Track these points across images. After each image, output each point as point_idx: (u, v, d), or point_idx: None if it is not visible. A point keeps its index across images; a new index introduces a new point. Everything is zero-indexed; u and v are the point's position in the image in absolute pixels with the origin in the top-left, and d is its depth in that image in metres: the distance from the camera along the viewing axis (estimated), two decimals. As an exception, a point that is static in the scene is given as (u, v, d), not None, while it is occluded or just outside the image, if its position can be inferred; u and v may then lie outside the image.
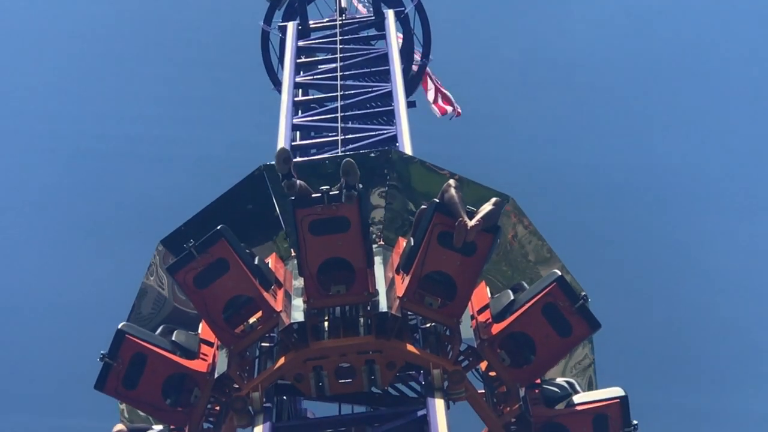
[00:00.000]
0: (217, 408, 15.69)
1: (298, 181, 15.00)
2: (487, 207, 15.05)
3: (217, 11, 50.18)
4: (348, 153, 18.73)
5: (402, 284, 15.22)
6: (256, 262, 15.38)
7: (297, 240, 15.06)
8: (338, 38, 25.67)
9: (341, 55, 24.53)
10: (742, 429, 40.58)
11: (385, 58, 24.84)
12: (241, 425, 14.94)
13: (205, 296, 15.06)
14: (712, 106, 49.20)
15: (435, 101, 29.44)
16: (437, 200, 15.08)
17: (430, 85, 29.45)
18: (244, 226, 16.50)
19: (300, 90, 24.68)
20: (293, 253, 16.48)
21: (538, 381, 15.76)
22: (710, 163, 47.99)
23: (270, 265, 15.93)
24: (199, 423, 15.38)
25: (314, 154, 20.86)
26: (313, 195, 14.92)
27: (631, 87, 50.25)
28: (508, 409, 15.31)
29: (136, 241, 34.20)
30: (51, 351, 39.80)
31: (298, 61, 25.50)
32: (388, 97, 22.91)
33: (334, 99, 22.75)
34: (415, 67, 28.77)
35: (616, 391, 15.52)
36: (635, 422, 15.34)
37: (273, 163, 17.42)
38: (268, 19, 28.20)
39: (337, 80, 23.29)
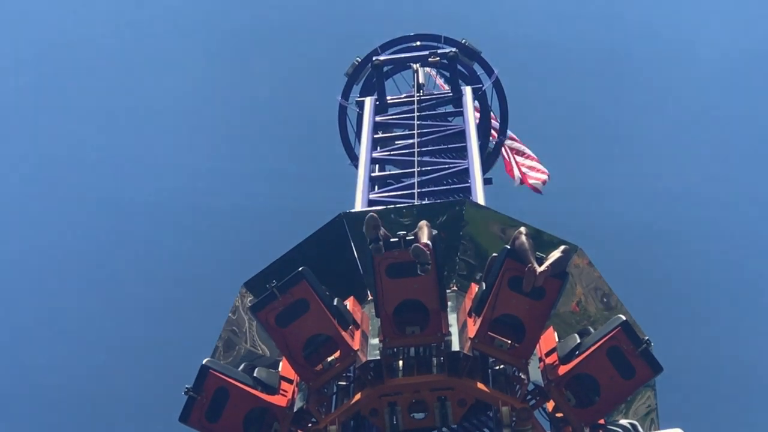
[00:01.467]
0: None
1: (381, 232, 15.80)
2: (555, 254, 15.80)
3: (295, 86, 51.57)
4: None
5: (474, 326, 15.93)
6: (335, 303, 16.17)
7: (374, 282, 15.85)
8: (416, 114, 25.99)
9: (418, 131, 24.91)
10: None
11: (462, 135, 25.03)
12: (318, 457, 15.61)
13: (285, 335, 15.85)
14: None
15: (522, 172, 29.38)
16: (508, 247, 15.83)
17: (512, 159, 29.54)
18: (324, 272, 17.04)
19: (377, 165, 25.05)
20: (370, 297, 17.26)
21: (602, 422, 16.32)
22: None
23: (348, 308, 16.71)
24: (279, 456, 16.06)
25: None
26: (390, 239, 15.70)
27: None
28: (574, 447, 15.88)
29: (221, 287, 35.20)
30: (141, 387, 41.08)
31: (375, 136, 25.81)
32: (465, 174, 23.06)
33: (411, 175, 23.07)
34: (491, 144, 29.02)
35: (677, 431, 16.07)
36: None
37: (352, 211, 18.43)
38: (345, 94, 28.91)
39: (414, 156, 23.62)
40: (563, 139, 51.42)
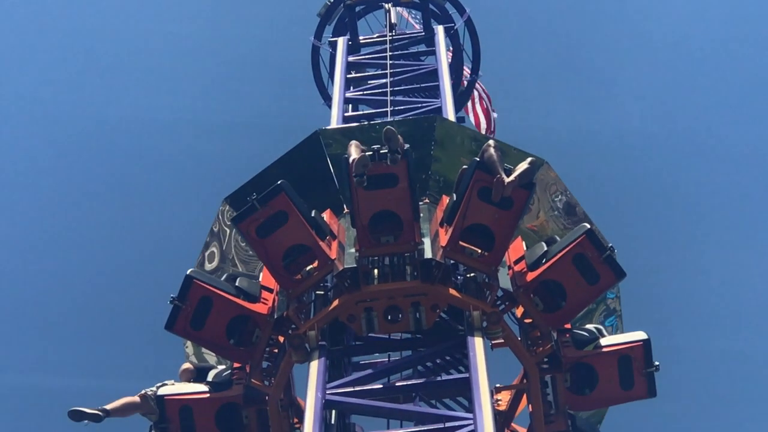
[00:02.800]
0: (276, 350, 17.17)
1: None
2: (523, 165, 16.51)
3: (267, 25, 51.78)
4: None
5: (445, 235, 16.67)
6: (312, 215, 16.86)
7: (350, 195, 16.55)
8: (388, 54, 26.11)
9: (391, 70, 25.10)
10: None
11: (434, 74, 25.38)
12: (298, 361, 16.34)
13: (266, 245, 16.57)
14: None
15: (476, 117, 29.66)
16: (477, 159, 16.53)
17: (477, 100, 29.66)
18: (302, 187, 17.63)
19: (350, 105, 25.28)
20: (346, 210, 17.97)
21: (569, 326, 17.13)
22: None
23: (325, 220, 17.41)
24: (260, 361, 16.81)
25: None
26: (365, 152, 16.36)
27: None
28: (541, 349, 16.68)
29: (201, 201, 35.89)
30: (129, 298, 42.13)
31: (348, 76, 26.07)
32: (438, 113, 23.09)
33: (384, 114, 23.27)
34: (464, 83, 29.16)
35: (640, 335, 16.90)
36: (657, 363, 16.69)
37: (327, 128, 19.09)
38: (318, 34, 28.79)
39: (386, 96, 23.83)
40: (536, 77, 52.08)
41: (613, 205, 44.19)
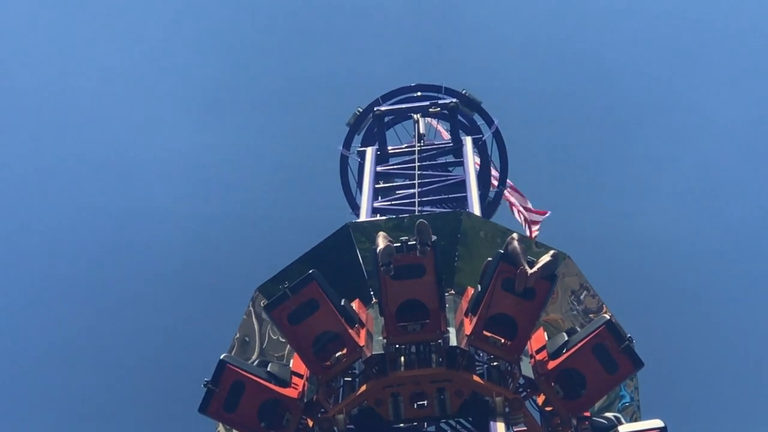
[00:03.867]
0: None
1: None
2: (545, 258, 17.20)
3: (297, 135, 53.10)
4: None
5: (470, 324, 17.32)
6: (342, 304, 17.56)
7: (379, 284, 17.26)
8: (416, 164, 26.28)
9: (419, 181, 25.22)
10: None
11: (462, 185, 25.43)
12: (327, 444, 16.95)
13: (297, 331, 17.28)
14: None
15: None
16: (502, 251, 17.24)
17: (515, 204, 29.74)
18: (332, 277, 18.19)
19: (378, 215, 24.82)
20: (374, 300, 18.66)
21: (588, 414, 17.68)
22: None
23: (354, 309, 18.08)
24: (289, 445, 17.41)
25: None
26: (394, 244, 17.12)
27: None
28: (561, 433, 17.25)
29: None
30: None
31: (377, 186, 26.23)
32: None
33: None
34: (492, 190, 29.16)
35: (657, 423, 17.42)
36: None
37: (357, 221, 19.83)
38: (347, 144, 29.22)
39: (414, 206, 24.11)
40: (561, 186, 53.06)
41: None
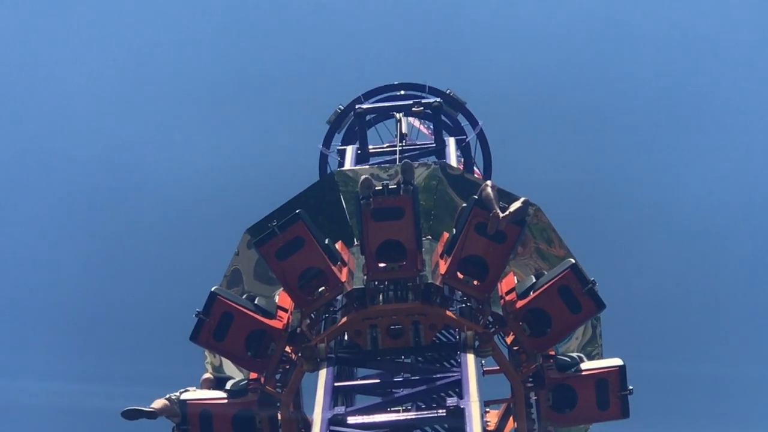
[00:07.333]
0: (287, 366, 18.94)
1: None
2: (516, 204, 18.49)
3: (276, 133, 53.25)
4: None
5: (444, 265, 18.57)
6: (326, 243, 18.80)
7: (360, 224, 18.51)
8: (398, 164, 25.12)
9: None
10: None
11: None
12: (308, 370, 18.11)
13: (284, 267, 18.54)
14: None
15: None
16: (476, 197, 18.50)
17: None
18: (317, 220, 19.48)
19: None
20: (356, 242, 19.90)
21: (553, 352, 18.90)
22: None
23: (338, 249, 19.33)
24: (274, 371, 18.67)
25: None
26: (375, 188, 18.36)
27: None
28: (526, 368, 18.42)
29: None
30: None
31: None
32: None
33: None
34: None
35: (616, 361, 18.62)
36: (630, 387, 18.38)
37: (342, 169, 21.04)
38: (327, 142, 28.66)
39: None
40: (546, 188, 53.87)
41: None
